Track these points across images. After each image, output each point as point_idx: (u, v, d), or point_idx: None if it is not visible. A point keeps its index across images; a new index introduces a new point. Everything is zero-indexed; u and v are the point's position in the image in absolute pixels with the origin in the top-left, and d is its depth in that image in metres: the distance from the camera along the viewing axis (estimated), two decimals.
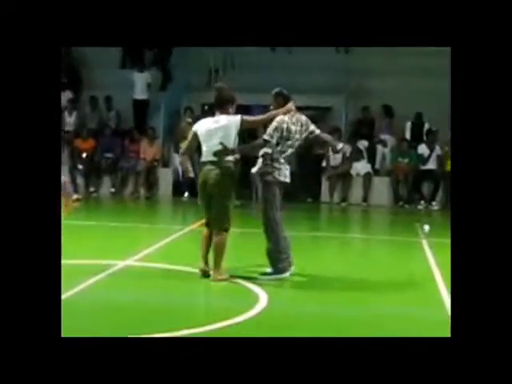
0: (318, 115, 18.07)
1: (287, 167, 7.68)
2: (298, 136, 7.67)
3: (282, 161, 7.58)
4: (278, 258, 7.59)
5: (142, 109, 17.71)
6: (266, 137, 7.54)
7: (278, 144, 7.54)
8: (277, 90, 7.81)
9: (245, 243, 9.90)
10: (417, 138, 16.65)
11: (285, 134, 7.55)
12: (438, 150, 16.12)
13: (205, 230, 7.70)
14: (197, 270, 7.63)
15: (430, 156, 16.09)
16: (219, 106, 7.65)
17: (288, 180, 7.66)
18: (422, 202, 15.88)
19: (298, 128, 7.68)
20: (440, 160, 16.06)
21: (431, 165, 16.13)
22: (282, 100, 7.71)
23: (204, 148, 7.62)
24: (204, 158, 7.58)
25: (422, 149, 16.23)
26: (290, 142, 7.60)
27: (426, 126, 16.73)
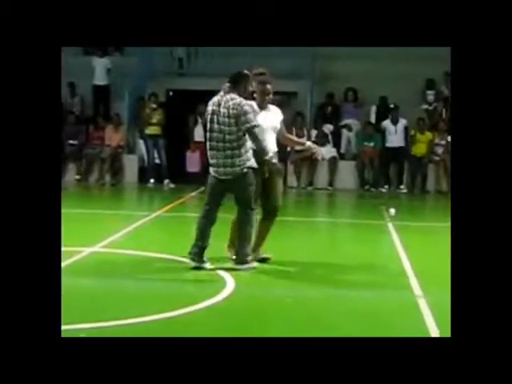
0: (283, 100, 18.14)
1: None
2: None
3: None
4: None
5: (102, 94, 17.54)
6: (255, 123, 7.22)
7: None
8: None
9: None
10: (382, 121, 16.70)
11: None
12: (403, 122, 16.19)
13: None
14: (165, 256, 7.58)
15: (396, 131, 16.17)
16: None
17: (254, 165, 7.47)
18: (386, 186, 15.99)
19: None
20: (406, 135, 16.14)
21: (399, 142, 16.20)
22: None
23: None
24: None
25: (387, 124, 16.28)
26: None
27: None
